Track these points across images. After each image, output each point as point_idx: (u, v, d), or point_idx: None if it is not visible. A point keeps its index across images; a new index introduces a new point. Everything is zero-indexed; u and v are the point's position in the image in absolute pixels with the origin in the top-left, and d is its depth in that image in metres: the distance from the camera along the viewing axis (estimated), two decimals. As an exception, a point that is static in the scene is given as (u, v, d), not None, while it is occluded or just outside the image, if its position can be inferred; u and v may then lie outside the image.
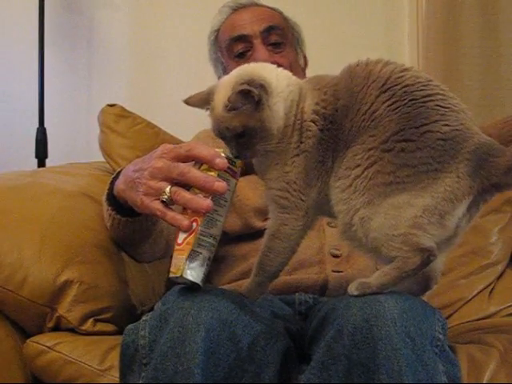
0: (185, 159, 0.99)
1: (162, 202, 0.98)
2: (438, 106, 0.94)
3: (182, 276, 0.94)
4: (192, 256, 0.95)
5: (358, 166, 0.95)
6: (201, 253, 0.96)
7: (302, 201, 1.01)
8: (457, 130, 0.93)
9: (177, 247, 0.97)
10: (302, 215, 1.01)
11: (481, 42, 2.15)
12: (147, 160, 1.03)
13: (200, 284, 0.96)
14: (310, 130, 1.00)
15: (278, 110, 0.98)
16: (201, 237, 0.96)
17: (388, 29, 2.34)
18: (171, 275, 0.97)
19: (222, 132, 0.99)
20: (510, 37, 2.14)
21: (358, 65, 1.00)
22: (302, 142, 1.00)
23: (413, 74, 0.97)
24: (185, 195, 0.96)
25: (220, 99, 0.99)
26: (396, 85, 0.95)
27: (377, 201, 0.93)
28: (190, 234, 0.95)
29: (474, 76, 2.15)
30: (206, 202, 0.94)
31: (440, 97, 0.95)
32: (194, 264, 0.95)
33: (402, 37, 2.34)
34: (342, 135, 0.97)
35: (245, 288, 1.04)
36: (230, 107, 0.97)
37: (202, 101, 1.03)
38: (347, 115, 0.97)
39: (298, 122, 1.00)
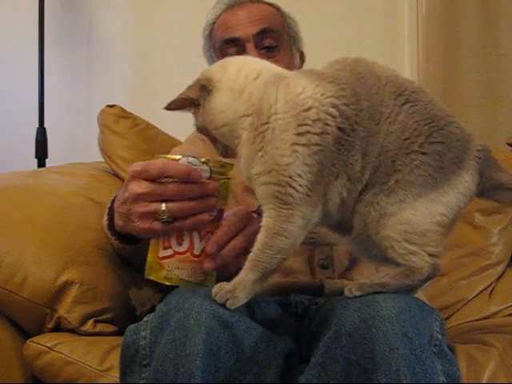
0: (157, 179, 1.00)
1: (163, 222, 1.00)
2: (442, 108, 0.97)
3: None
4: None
5: (399, 171, 0.93)
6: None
7: (309, 196, 0.93)
8: (463, 130, 0.97)
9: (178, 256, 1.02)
10: (311, 210, 0.94)
11: (481, 42, 2.15)
12: (123, 189, 1.05)
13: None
14: (327, 125, 0.93)
15: (217, 103, 0.99)
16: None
17: (388, 29, 2.34)
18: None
19: None
20: (510, 37, 2.14)
21: (357, 63, 0.97)
22: (310, 133, 0.92)
23: (403, 78, 0.98)
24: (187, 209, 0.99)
25: None
26: (405, 89, 0.95)
27: (408, 199, 0.93)
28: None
29: (473, 76, 2.15)
30: (204, 217, 1.00)
31: (434, 101, 0.97)
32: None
33: (402, 37, 2.34)
34: (366, 138, 0.93)
35: (234, 285, 0.95)
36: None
37: None
38: (373, 118, 0.94)
39: (292, 108, 0.93)
